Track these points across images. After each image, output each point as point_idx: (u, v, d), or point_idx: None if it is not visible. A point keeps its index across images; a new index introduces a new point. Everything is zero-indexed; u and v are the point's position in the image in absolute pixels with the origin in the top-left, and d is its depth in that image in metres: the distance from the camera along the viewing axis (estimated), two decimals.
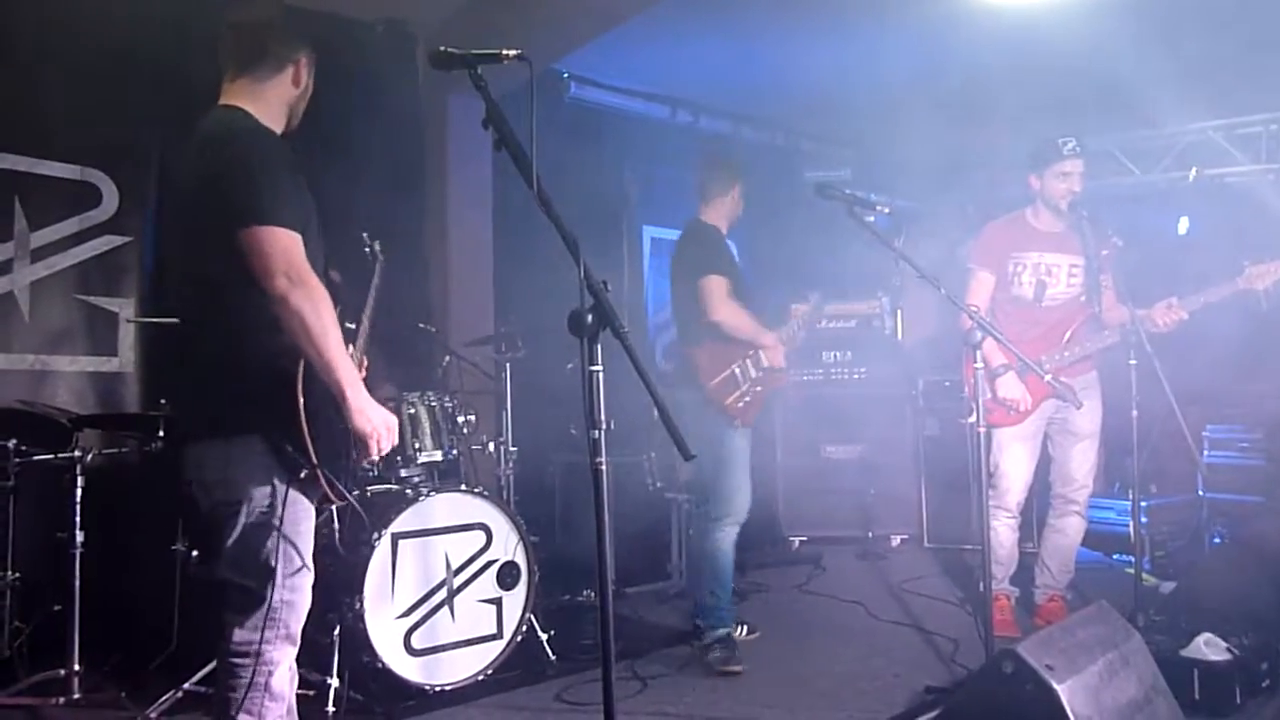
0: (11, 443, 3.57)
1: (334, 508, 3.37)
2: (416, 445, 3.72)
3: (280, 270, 2.11)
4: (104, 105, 4.37)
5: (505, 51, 2.12)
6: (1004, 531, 4.17)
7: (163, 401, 3.65)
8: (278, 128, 2.41)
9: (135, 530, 3.80)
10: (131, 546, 3.80)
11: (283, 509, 2.19)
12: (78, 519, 3.35)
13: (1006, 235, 4.17)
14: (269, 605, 2.19)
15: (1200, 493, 5.60)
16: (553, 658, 3.76)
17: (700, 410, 3.87)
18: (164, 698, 3.13)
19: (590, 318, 1.88)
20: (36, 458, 3.54)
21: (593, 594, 4.64)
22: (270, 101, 2.41)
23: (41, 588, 3.69)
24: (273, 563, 2.19)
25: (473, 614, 3.55)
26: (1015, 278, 4.13)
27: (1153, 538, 5.30)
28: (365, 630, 3.27)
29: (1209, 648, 3.15)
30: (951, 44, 5.37)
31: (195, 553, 3.62)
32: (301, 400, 2.15)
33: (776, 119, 7.15)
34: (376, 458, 2.30)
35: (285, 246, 2.14)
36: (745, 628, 4.25)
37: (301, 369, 2.17)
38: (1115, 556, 5.53)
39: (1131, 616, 3.59)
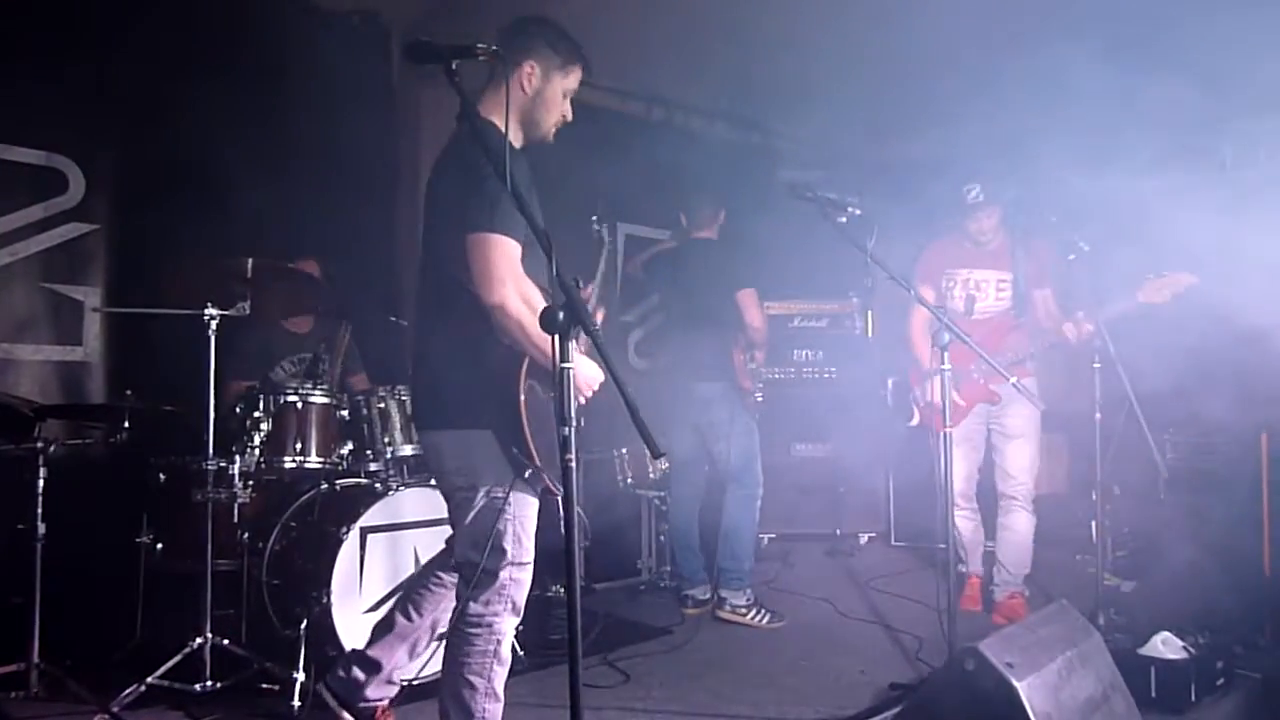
0: None
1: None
2: (386, 440, 3.70)
3: (498, 277, 2.25)
4: (71, 92, 4.31)
5: (479, 46, 2.12)
6: (959, 520, 4.45)
7: (128, 392, 3.61)
8: (515, 136, 2.48)
9: (98, 522, 3.75)
10: (94, 539, 3.76)
11: (510, 498, 2.39)
12: (39, 510, 3.30)
13: (942, 254, 4.51)
14: (499, 582, 2.42)
15: (1161, 495, 5.69)
16: (521, 653, 3.75)
17: (731, 399, 4.53)
18: (127, 692, 3.10)
19: (562, 315, 1.89)
20: None
21: (562, 589, 4.64)
22: (503, 108, 2.38)
23: (2, 579, 3.64)
24: (504, 544, 2.41)
25: None
26: (948, 292, 4.44)
27: (1114, 538, 5.38)
28: (332, 624, 3.25)
29: (1166, 646, 3.21)
30: (925, 45, 5.41)
31: (160, 545, 3.59)
32: (522, 400, 2.29)
33: (752, 117, 7.17)
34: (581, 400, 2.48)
35: (505, 254, 2.27)
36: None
37: (524, 369, 2.32)
38: (1077, 556, 5.61)
39: (1092, 615, 3.66)
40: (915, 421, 4.57)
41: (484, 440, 2.37)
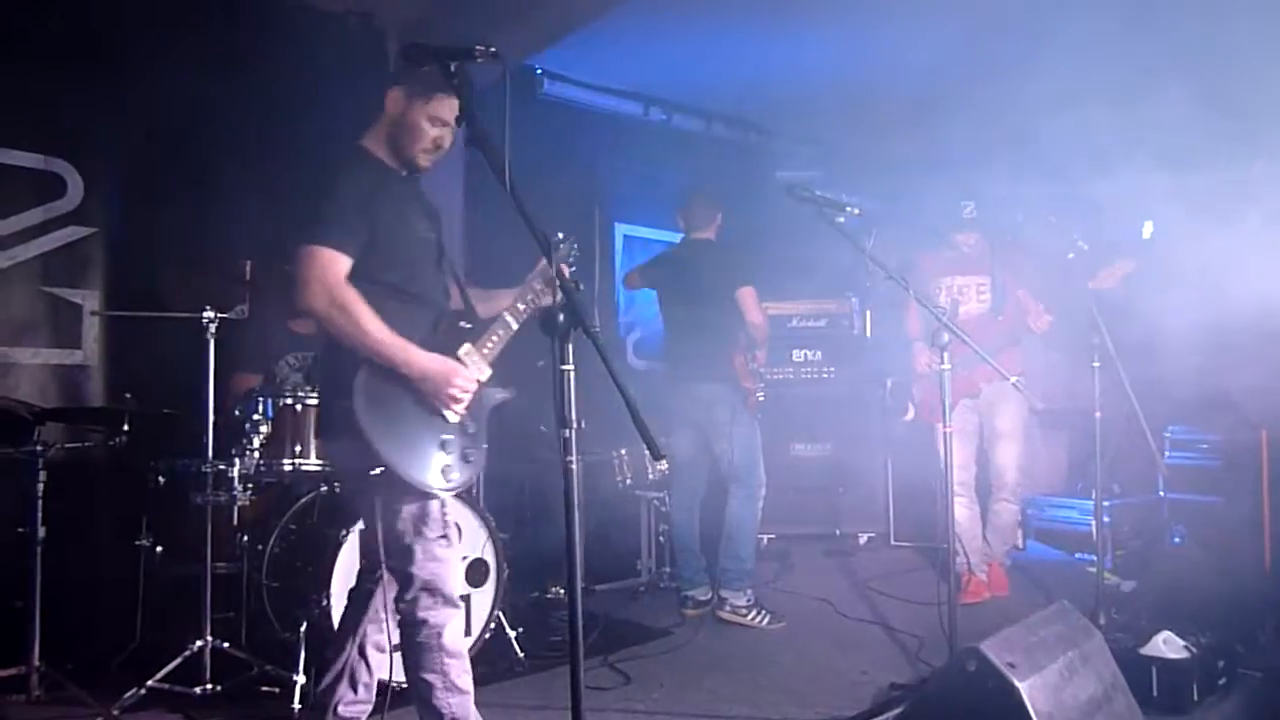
0: None
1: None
2: None
3: (306, 283, 2.33)
4: (69, 95, 4.31)
5: (478, 48, 2.11)
6: (958, 510, 4.58)
7: (127, 395, 3.60)
8: (390, 159, 2.55)
9: (98, 525, 3.75)
10: (94, 541, 3.76)
11: (388, 498, 2.42)
12: (39, 514, 3.30)
13: (929, 265, 4.83)
14: (416, 579, 2.45)
15: (1161, 493, 5.70)
16: (521, 655, 3.76)
17: (733, 400, 4.52)
18: (127, 694, 3.10)
19: (562, 317, 1.89)
20: None
21: (562, 591, 4.65)
22: (376, 134, 2.56)
23: (2, 583, 3.64)
24: (406, 542, 2.44)
25: None
26: (935, 300, 4.63)
27: (1114, 537, 5.39)
28: (332, 626, 3.24)
29: (1167, 646, 3.21)
30: (922, 42, 5.42)
31: (159, 548, 3.58)
32: (356, 403, 2.33)
33: (748, 118, 7.17)
34: (460, 409, 2.45)
35: (319, 264, 2.33)
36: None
37: (360, 372, 2.36)
38: (1077, 555, 5.62)
39: (1093, 615, 3.66)
40: (910, 416, 4.92)
41: (347, 446, 2.41)
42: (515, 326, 2.65)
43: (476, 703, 3.33)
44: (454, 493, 2.49)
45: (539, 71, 6.01)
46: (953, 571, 3.43)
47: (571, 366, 1.91)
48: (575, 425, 1.92)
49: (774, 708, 3.35)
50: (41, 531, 3.30)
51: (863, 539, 6.09)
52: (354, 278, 2.39)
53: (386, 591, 2.55)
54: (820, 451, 6.16)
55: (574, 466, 1.91)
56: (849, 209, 3.38)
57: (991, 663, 2.49)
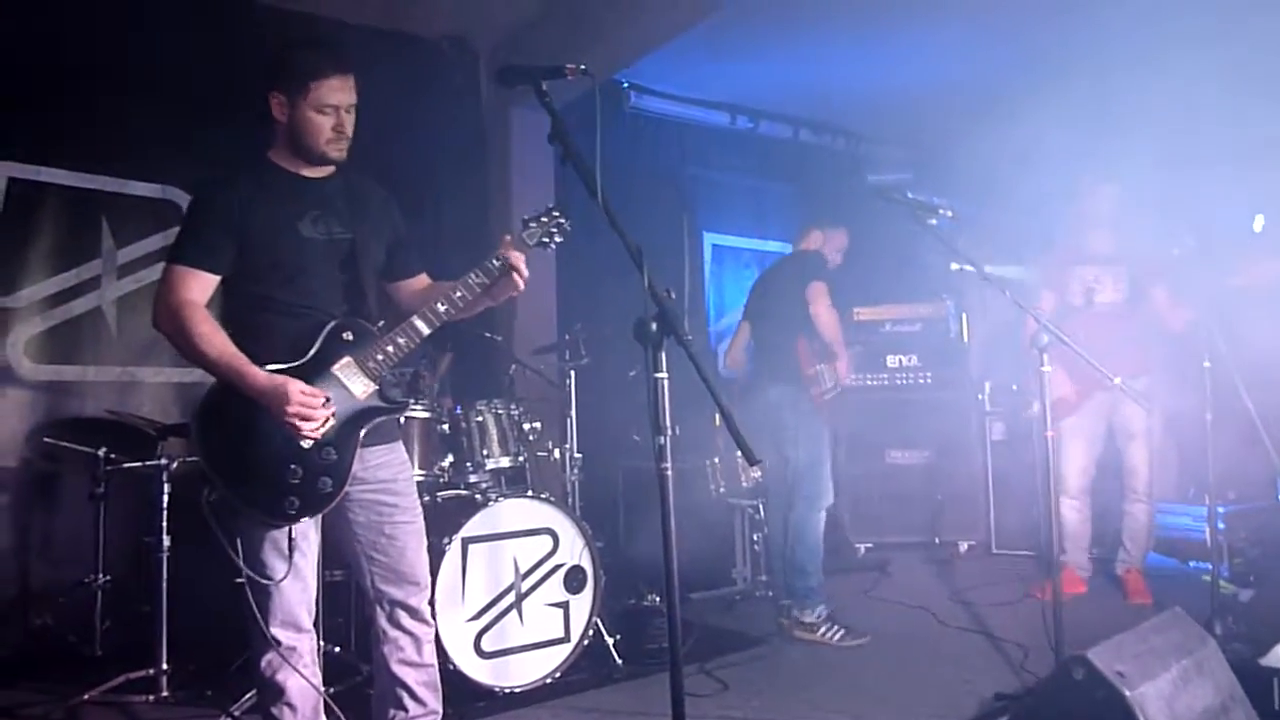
0: (101, 451, 3.78)
1: None
2: (485, 452, 3.80)
3: (159, 303, 2.36)
4: (183, 127, 4.55)
5: (569, 66, 2.17)
6: (1066, 513, 4.71)
7: None
8: (296, 165, 2.48)
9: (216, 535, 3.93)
10: (213, 549, 3.93)
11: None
12: (164, 524, 3.49)
13: (1061, 254, 4.75)
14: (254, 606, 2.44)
15: None
16: (619, 661, 3.80)
17: (797, 401, 4.36)
18: (246, 696, 3.24)
19: (655, 326, 1.92)
20: (125, 465, 3.73)
21: (658, 598, 4.68)
22: (279, 145, 2.49)
23: (130, 589, 3.88)
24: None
25: (541, 617, 3.61)
26: (1069, 289, 4.64)
27: (1230, 544, 5.15)
28: (436, 633, 3.34)
29: None
30: (1008, 43, 5.32)
31: None
32: (197, 424, 2.33)
33: (835, 123, 7.13)
34: (307, 428, 2.29)
35: (170, 283, 2.36)
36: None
37: (214, 393, 2.34)
38: (1192, 564, 5.40)
39: (1209, 624, 3.52)
40: (1035, 411, 4.88)
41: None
42: (426, 331, 2.47)
43: (576, 708, 3.39)
44: (293, 524, 2.37)
45: (625, 85, 6.10)
46: (1056, 578, 3.34)
47: (665, 374, 1.94)
48: (670, 432, 1.94)
49: (873, 717, 3.31)
50: (166, 540, 3.50)
51: (963, 547, 5.97)
52: (232, 292, 2.43)
53: (378, 611, 2.60)
54: (917, 458, 6.06)
55: (669, 472, 1.94)
56: (941, 210, 3.35)
57: (1100, 671, 2.43)
